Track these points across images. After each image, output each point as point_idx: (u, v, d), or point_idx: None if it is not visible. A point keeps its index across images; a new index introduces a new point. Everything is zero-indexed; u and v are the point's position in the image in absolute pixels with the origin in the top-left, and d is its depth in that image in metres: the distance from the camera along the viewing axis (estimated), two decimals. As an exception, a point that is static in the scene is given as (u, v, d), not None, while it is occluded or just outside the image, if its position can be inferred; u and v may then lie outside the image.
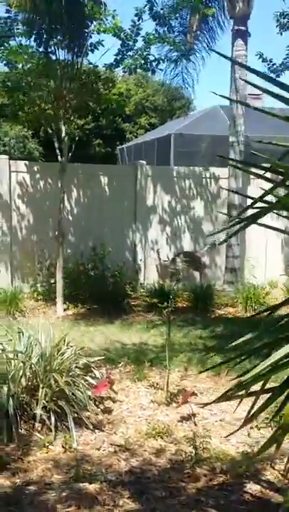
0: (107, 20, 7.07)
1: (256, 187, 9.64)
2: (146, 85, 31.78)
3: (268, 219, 8.92)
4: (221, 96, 2.27)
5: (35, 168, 8.83)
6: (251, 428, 4.17)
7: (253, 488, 3.38)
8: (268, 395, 2.52)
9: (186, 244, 9.54)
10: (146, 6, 7.17)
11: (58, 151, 7.67)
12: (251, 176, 9.44)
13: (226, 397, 2.53)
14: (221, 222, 9.45)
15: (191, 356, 5.80)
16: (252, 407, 3.44)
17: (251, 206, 2.27)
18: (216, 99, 58.02)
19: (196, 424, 4.26)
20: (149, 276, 9.20)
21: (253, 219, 2.36)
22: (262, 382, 2.57)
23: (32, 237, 8.90)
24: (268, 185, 2.28)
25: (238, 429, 2.83)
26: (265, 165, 2.46)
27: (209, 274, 9.48)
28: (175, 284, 8.53)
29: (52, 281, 8.56)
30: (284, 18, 8.67)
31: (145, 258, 9.31)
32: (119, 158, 28.54)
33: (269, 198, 2.31)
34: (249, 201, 8.87)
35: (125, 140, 31.07)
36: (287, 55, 9.03)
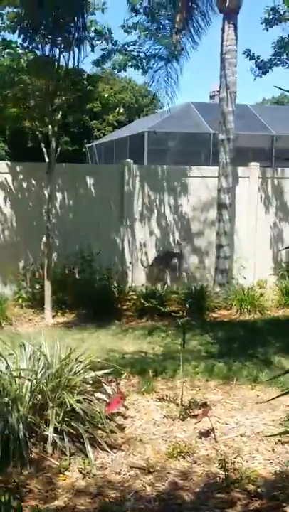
0: (95, 14, 6.77)
1: (243, 187, 9.57)
2: (114, 82, 31.42)
3: (261, 204, 8.82)
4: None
5: (18, 169, 8.43)
6: (275, 443, 3.99)
7: (292, 511, 3.17)
8: None
9: (176, 245, 9.31)
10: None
11: (44, 150, 7.33)
12: (239, 175, 9.38)
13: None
14: (209, 223, 9.26)
15: (196, 365, 5.56)
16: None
17: None
18: (184, 96, 57.92)
19: (216, 441, 4.03)
20: (138, 279, 8.93)
21: None
22: None
23: (15, 241, 8.49)
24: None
25: None
26: None
27: (198, 276, 9.29)
28: (162, 287, 8.36)
29: (37, 286, 8.21)
30: (272, 15, 8.51)
31: (133, 260, 9.04)
32: (89, 156, 28.12)
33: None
34: (238, 201, 8.73)
35: (93, 138, 30.63)
36: (275, 51, 8.89)
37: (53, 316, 7.62)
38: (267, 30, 8.96)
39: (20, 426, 3.72)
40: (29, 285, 8.35)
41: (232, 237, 9.08)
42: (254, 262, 9.42)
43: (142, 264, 9.00)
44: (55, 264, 8.22)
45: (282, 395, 2.33)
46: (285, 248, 9.16)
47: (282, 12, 8.62)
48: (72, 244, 8.53)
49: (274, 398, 3.93)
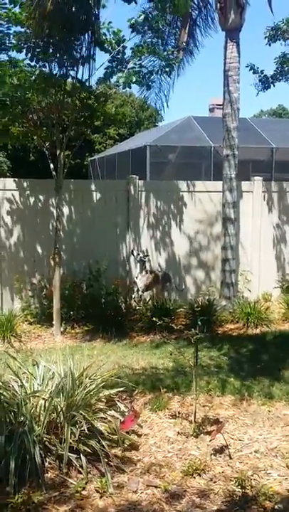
0: (103, 34, 6.86)
1: (247, 201, 9.63)
2: (114, 96, 31.64)
3: (265, 218, 8.80)
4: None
5: (25, 185, 8.50)
6: (290, 459, 4.01)
7: (311, 529, 3.19)
8: None
9: (181, 259, 9.36)
10: (141, 17, 6.92)
11: (52, 167, 7.41)
12: (243, 189, 9.44)
13: None
14: (215, 237, 9.31)
15: (207, 380, 5.57)
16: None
17: None
18: (183, 111, 58.46)
19: (231, 458, 4.05)
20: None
21: None
22: None
23: (23, 257, 8.54)
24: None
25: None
26: None
27: (203, 289, 9.30)
28: (168, 301, 8.39)
29: (45, 302, 8.25)
30: (273, 31, 8.65)
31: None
32: (91, 169, 28.28)
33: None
34: (242, 215, 8.78)
35: (94, 151, 30.82)
36: (277, 66, 9.01)
37: (62, 332, 7.64)
38: (269, 45, 9.08)
39: (36, 446, 3.74)
40: (37, 301, 8.39)
41: (237, 250, 9.13)
42: (258, 276, 9.47)
43: (137, 291, 8.68)
44: (63, 280, 8.26)
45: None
46: None
47: (283, 28, 8.74)
48: (78, 260, 8.59)
49: None
